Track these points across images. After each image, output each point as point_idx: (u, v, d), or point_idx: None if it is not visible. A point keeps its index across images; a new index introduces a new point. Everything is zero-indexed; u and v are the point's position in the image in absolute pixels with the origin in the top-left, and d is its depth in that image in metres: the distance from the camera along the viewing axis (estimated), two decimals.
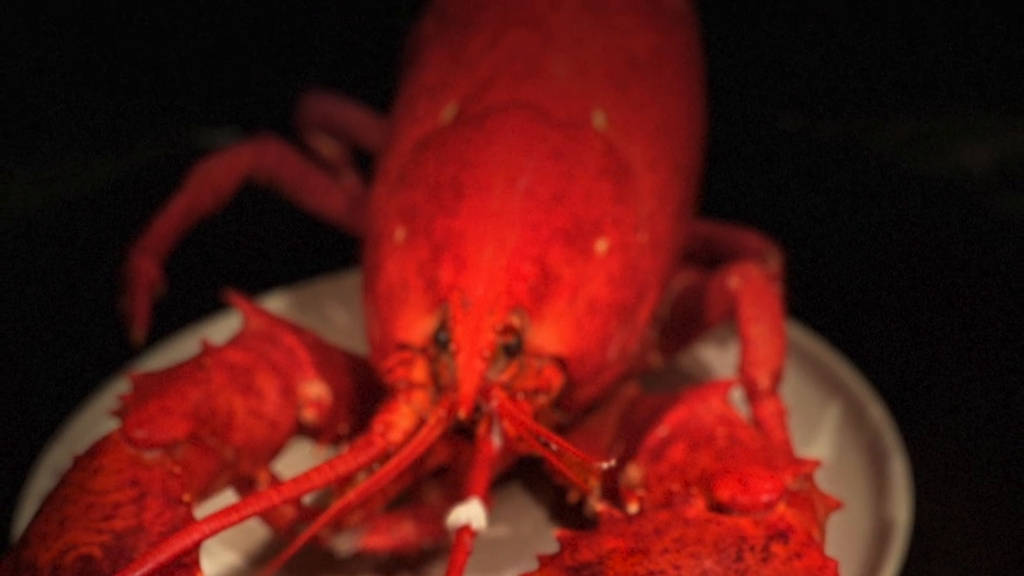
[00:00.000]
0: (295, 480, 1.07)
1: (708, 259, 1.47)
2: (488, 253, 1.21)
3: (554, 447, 1.09)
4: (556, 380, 1.21)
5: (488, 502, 1.12)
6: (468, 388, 1.16)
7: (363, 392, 1.29)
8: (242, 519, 1.03)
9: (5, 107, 2.13)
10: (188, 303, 1.55)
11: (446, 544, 1.24)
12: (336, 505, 1.12)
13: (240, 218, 1.63)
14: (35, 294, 1.77)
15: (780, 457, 1.10)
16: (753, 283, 1.30)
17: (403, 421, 1.15)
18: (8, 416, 1.52)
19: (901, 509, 1.23)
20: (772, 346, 1.27)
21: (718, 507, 1.06)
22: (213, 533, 1.01)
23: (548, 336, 1.21)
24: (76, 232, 1.91)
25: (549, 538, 1.15)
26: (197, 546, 1.00)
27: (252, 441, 1.19)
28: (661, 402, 1.20)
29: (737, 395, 1.23)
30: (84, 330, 1.66)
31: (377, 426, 1.15)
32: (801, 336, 1.44)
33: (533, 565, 1.02)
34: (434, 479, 1.26)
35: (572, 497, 1.24)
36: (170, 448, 1.11)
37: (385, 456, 1.13)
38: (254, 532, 1.27)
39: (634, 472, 1.16)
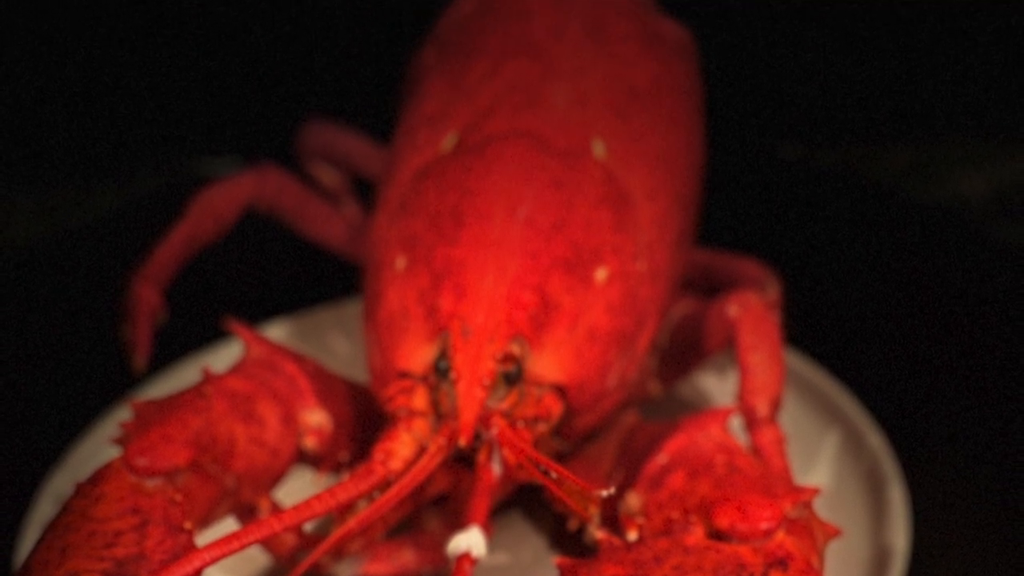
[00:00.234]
0: (296, 508, 1.08)
1: (707, 287, 1.48)
2: (488, 281, 1.22)
3: (554, 475, 1.09)
4: (556, 408, 1.22)
5: (488, 530, 1.12)
6: (468, 416, 1.16)
7: (364, 420, 1.29)
8: (243, 547, 1.03)
9: (7, 135, 2.14)
10: (189, 331, 1.55)
11: (446, 572, 1.24)
12: (337, 532, 1.12)
13: (241, 247, 1.64)
14: (37, 322, 1.77)
15: (779, 485, 1.10)
16: (752, 311, 1.30)
17: (404, 449, 1.16)
18: (11, 443, 1.52)
19: (899, 537, 1.24)
20: (771, 374, 1.27)
21: (717, 535, 1.06)
22: (214, 561, 1.01)
23: (548, 364, 1.21)
24: (78, 260, 1.92)
25: (549, 565, 1.15)
26: (198, 574, 1.01)
27: (253, 469, 1.20)
28: (660, 430, 1.20)
29: (736, 423, 1.23)
30: (86, 358, 1.66)
31: (378, 454, 1.15)
32: (800, 364, 1.44)
33: None
34: (434, 507, 1.26)
35: (572, 525, 1.24)
36: (171, 476, 1.11)
37: (386, 484, 1.13)
38: (255, 560, 1.27)
39: (633, 500, 1.16)
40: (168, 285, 1.54)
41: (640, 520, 1.14)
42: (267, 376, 1.25)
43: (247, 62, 2.17)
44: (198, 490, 1.14)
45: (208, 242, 1.57)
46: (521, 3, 1.47)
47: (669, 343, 1.38)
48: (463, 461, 1.21)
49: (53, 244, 1.96)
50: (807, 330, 1.47)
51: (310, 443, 1.25)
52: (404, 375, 1.21)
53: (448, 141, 1.34)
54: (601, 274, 1.25)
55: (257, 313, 1.59)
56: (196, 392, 1.20)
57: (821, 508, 1.15)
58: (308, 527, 1.22)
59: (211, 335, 1.53)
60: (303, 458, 1.26)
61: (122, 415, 1.37)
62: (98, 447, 1.38)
